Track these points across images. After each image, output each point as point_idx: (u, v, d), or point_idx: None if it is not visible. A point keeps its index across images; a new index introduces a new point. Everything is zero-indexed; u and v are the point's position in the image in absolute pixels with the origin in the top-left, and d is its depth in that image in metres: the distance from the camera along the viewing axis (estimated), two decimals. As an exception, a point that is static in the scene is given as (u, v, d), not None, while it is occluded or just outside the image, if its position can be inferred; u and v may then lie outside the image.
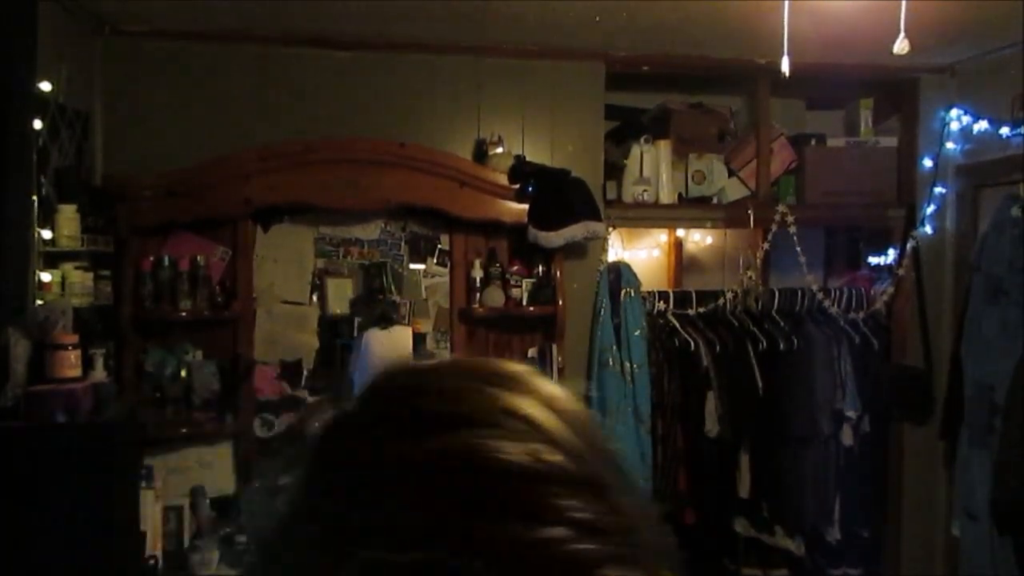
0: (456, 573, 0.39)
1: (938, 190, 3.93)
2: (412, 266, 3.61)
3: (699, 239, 4.39)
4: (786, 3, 2.46)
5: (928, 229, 3.95)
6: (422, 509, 0.41)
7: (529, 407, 0.46)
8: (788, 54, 2.43)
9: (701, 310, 3.82)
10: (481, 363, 0.50)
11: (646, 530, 0.45)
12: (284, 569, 0.45)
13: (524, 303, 3.52)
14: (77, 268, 2.83)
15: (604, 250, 3.71)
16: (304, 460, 0.48)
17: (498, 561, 0.40)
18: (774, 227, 3.83)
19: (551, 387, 0.49)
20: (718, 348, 3.71)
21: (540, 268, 3.54)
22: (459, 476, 0.42)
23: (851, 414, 3.80)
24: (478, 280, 3.51)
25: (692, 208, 3.90)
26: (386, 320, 3.49)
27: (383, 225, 3.58)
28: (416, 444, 0.43)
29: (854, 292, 3.98)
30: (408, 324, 3.57)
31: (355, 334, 3.55)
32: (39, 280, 2.60)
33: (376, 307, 3.49)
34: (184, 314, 3.23)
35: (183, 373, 3.27)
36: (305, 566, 0.43)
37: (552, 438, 0.45)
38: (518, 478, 0.42)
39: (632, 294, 3.66)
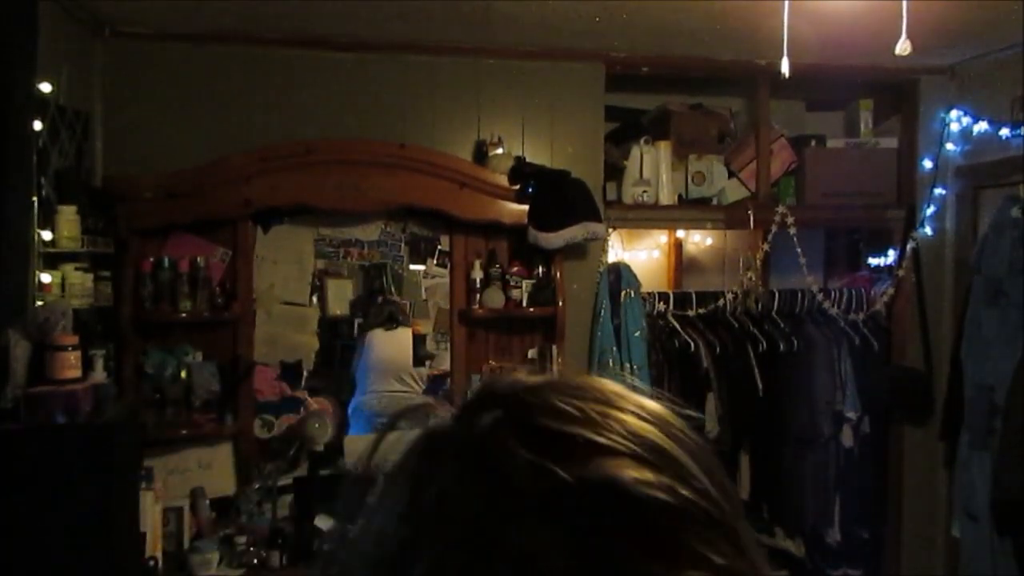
0: None
1: (938, 191, 3.93)
2: (412, 267, 3.61)
3: (699, 240, 4.39)
4: (786, 4, 2.46)
5: (928, 230, 3.95)
6: (563, 539, 0.40)
7: (654, 434, 0.45)
8: (788, 55, 2.43)
9: (701, 311, 3.82)
10: (589, 382, 0.49)
11: None
12: None
13: (524, 304, 3.52)
14: (77, 269, 2.83)
15: (604, 251, 3.71)
16: (402, 484, 0.46)
17: None
18: (774, 228, 3.83)
19: (664, 410, 0.48)
20: (718, 349, 3.71)
21: (540, 269, 3.54)
22: (601, 508, 0.41)
23: (851, 415, 3.80)
24: (478, 281, 3.51)
25: (692, 209, 3.89)
26: (393, 321, 3.50)
27: (383, 226, 3.58)
28: (551, 471, 0.42)
29: (854, 293, 3.98)
30: (408, 325, 3.58)
31: (355, 335, 3.55)
32: (39, 281, 2.59)
33: (384, 308, 3.50)
34: (184, 315, 3.23)
35: (183, 374, 3.27)
36: None
37: (682, 471, 0.44)
38: (658, 515, 0.41)
39: (632, 295, 3.66)
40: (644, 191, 3.75)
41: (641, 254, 4.33)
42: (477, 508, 0.42)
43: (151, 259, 3.22)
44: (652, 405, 0.48)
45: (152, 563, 2.87)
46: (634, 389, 0.50)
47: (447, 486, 0.44)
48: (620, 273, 3.69)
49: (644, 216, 3.83)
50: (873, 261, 4.19)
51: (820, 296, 3.88)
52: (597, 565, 0.39)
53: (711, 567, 0.41)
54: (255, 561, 3.07)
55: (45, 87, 2.65)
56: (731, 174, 3.94)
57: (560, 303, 3.49)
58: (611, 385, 0.49)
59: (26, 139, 2.37)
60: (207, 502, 3.22)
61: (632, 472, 0.42)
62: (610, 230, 3.70)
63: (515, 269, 3.54)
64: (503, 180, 3.43)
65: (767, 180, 3.92)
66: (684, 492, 0.43)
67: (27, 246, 2.44)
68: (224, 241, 3.39)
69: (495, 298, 3.50)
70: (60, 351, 2.35)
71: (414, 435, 0.48)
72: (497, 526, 0.41)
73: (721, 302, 3.83)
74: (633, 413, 0.46)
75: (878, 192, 4.01)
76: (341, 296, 3.54)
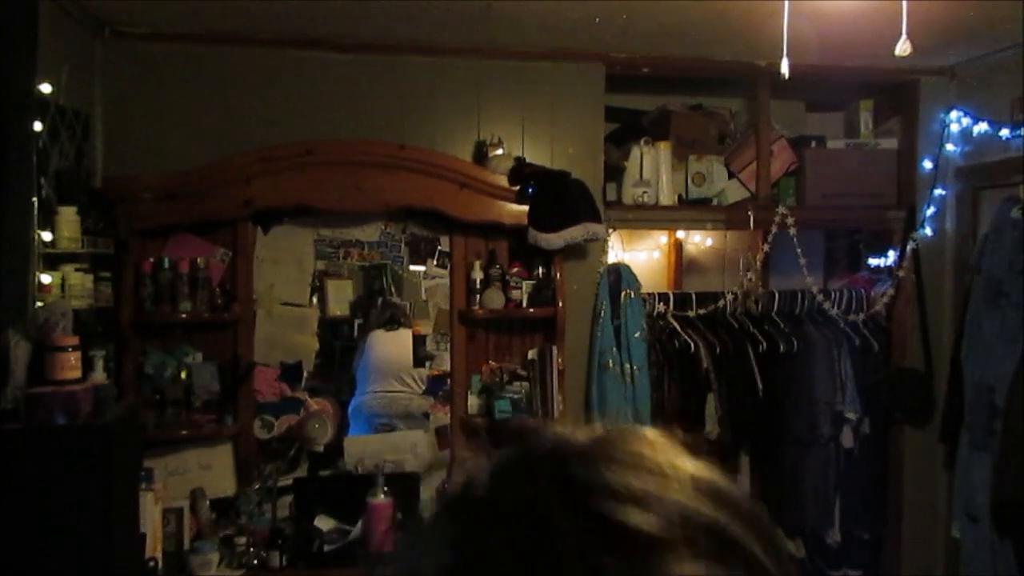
0: None
1: (938, 192, 3.93)
2: (412, 268, 3.61)
3: (699, 241, 4.39)
4: (786, 5, 2.46)
5: (928, 231, 3.95)
6: None
7: (713, 515, 0.43)
8: (788, 56, 2.43)
9: (701, 312, 3.82)
10: (639, 447, 0.45)
11: None
12: None
13: (524, 305, 3.52)
14: (77, 270, 2.83)
15: (604, 252, 3.71)
16: (439, 550, 0.43)
17: None
18: (774, 229, 3.83)
19: (714, 476, 0.46)
20: (718, 350, 3.71)
21: (540, 270, 3.54)
22: None
23: (851, 416, 3.80)
24: (478, 282, 3.51)
25: (692, 210, 3.89)
26: (394, 323, 3.50)
27: (383, 227, 3.58)
28: (613, 566, 0.39)
29: (854, 294, 3.98)
30: (409, 326, 3.58)
31: (355, 336, 3.55)
32: (39, 282, 2.59)
33: (385, 310, 3.50)
34: (184, 316, 3.23)
35: (183, 375, 3.27)
36: None
37: (744, 556, 0.42)
38: None
39: (632, 296, 3.66)
40: (644, 192, 3.75)
41: (641, 255, 4.33)
42: None
43: (151, 260, 3.22)
44: (707, 475, 0.46)
45: (152, 564, 2.87)
46: (685, 447, 0.46)
47: (501, 556, 0.41)
48: (620, 274, 3.69)
49: (644, 217, 3.83)
50: (873, 262, 4.19)
51: (820, 297, 3.88)
52: None
53: None
54: (255, 562, 3.07)
55: (45, 87, 2.65)
56: (731, 175, 3.95)
57: (560, 304, 3.49)
58: (664, 450, 0.46)
59: (26, 140, 2.37)
60: (207, 503, 3.22)
61: (690, 568, 0.40)
62: (610, 231, 3.70)
63: (515, 270, 3.54)
64: (503, 181, 3.43)
65: (767, 181, 3.92)
66: None
67: (27, 247, 2.44)
68: (224, 242, 3.39)
69: (495, 299, 3.50)
70: (60, 352, 2.35)
71: (451, 489, 0.45)
72: None
73: (721, 303, 3.83)
74: (690, 489, 0.44)
75: (878, 193, 4.01)
76: (341, 297, 3.54)
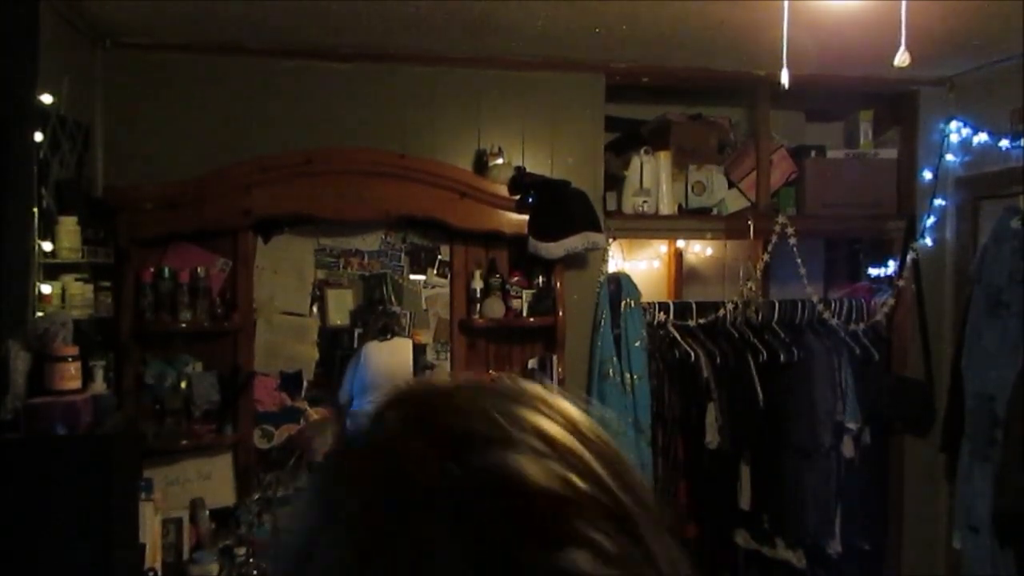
0: None
1: (938, 202, 3.93)
2: (412, 277, 3.61)
3: (699, 250, 4.39)
4: (785, 15, 2.47)
5: (928, 241, 3.95)
6: (452, 528, 0.41)
7: (556, 431, 0.46)
8: (788, 66, 2.44)
9: (701, 321, 3.82)
10: (503, 383, 0.50)
11: (673, 569, 0.46)
12: None
13: (524, 314, 3.52)
14: (77, 280, 2.83)
15: (604, 261, 3.71)
16: (316, 480, 0.49)
17: None
18: (774, 238, 3.83)
19: (575, 411, 0.49)
20: (718, 359, 3.71)
21: (540, 279, 3.54)
22: (490, 496, 0.42)
23: (852, 426, 3.79)
24: (478, 291, 3.52)
25: (692, 219, 3.90)
26: (388, 333, 3.49)
27: (383, 236, 3.58)
28: (445, 463, 0.43)
29: (854, 303, 3.98)
30: (408, 335, 3.57)
31: (355, 345, 3.54)
32: (39, 292, 2.59)
33: (379, 320, 3.49)
34: (184, 325, 3.23)
35: (183, 384, 3.26)
36: None
37: (578, 464, 0.45)
38: (546, 501, 0.43)
39: (632, 305, 3.66)
40: (644, 201, 3.75)
41: (641, 264, 4.33)
42: (376, 501, 0.44)
43: (151, 269, 3.22)
44: (563, 405, 0.49)
45: (151, 574, 2.86)
46: (564, 396, 0.50)
47: (353, 480, 0.46)
48: (620, 283, 3.69)
49: (644, 226, 3.84)
50: (873, 271, 4.19)
51: (820, 306, 3.88)
52: (482, 551, 0.41)
53: (598, 551, 0.42)
54: (255, 572, 3.06)
55: (46, 98, 2.65)
56: (731, 184, 3.95)
57: (560, 313, 3.50)
58: (525, 385, 0.50)
59: (27, 150, 2.37)
60: (207, 513, 3.21)
61: (522, 462, 0.43)
62: (610, 240, 3.70)
63: (515, 279, 3.54)
64: (503, 190, 3.43)
65: (767, 190, 3.93)
66: (578, 483, 0.44)
67: (28, 257, 2.44)
68: (224, 251, 3.39)
69: (495, 308, 3.50)
70: (60, 362, 2.34)
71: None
72: (394, 517, 0.43)
73: (721, 312, 3.83)
74: (539, 412, 0.47)
75: (878, 203, 4.01)
76: (341, 306, 3.54)
